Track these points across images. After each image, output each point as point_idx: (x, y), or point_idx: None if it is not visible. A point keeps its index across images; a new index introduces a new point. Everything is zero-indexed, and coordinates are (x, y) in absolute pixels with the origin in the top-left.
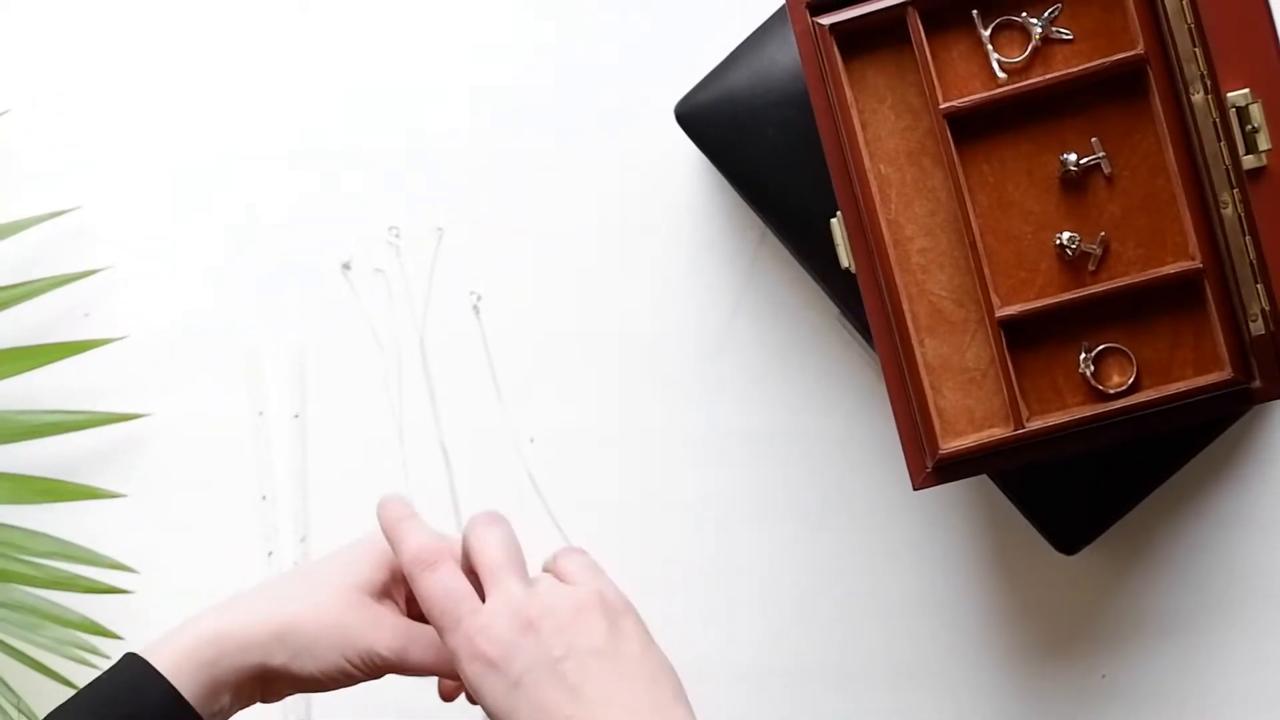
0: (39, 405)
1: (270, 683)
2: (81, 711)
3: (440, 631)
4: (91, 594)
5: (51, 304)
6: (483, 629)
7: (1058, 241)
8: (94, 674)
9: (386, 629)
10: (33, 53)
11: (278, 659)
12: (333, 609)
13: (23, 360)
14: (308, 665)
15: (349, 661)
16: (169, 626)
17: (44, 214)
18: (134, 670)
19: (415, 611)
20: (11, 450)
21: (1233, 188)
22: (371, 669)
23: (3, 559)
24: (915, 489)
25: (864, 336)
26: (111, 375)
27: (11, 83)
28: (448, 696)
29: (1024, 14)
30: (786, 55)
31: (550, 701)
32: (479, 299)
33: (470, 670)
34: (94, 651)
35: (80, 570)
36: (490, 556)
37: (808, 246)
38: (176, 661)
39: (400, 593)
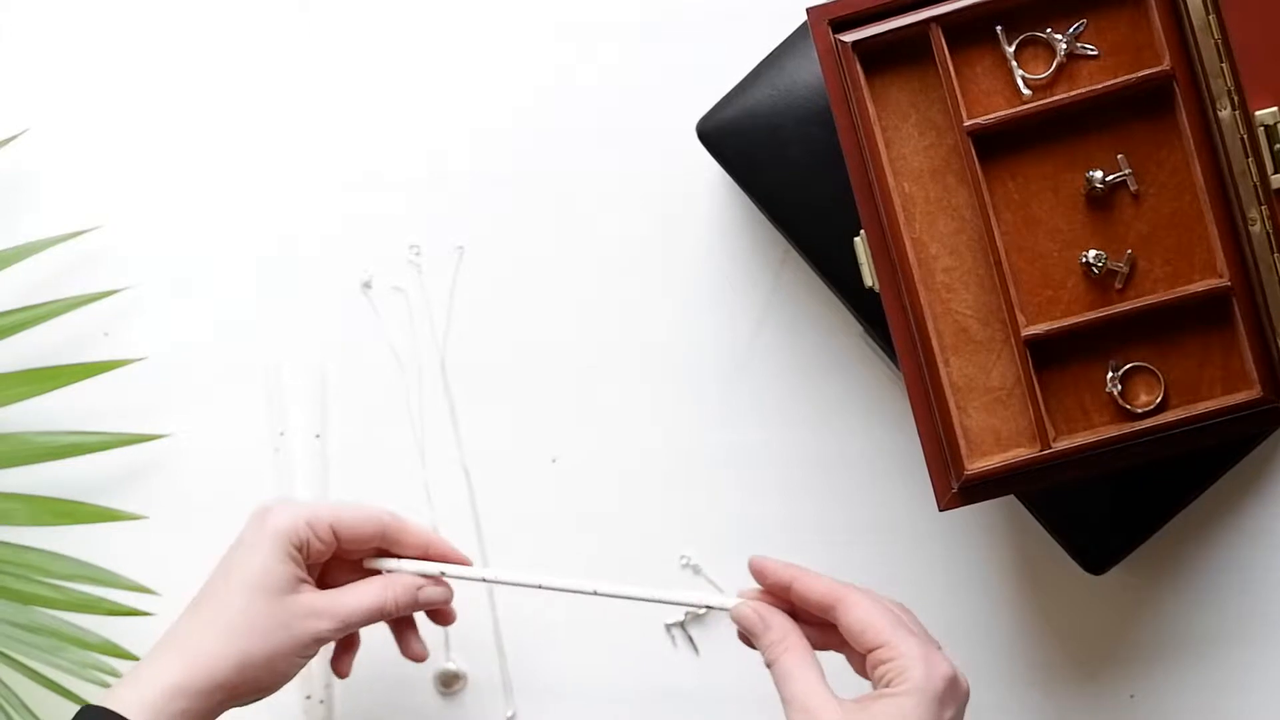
0: (59, 426)
1: (226, 708)
2: None
3: (887, 635)
4: (112, 616)
5: (71, 324)
6: (944, 657)
7: (1084, 259)
8: None
9: (323, 613)
10: (52, 72)
11: (243, 689)
12: (273, 624)
13: (43, 381)
14: (270, 681)
15: (304, 657)
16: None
17: (64, 234)
18: None
19: (322, 576)
20: (31, 471)
21: (1261, 205)
22: (320, 646)
23: (23, 581)
24: (941, 510)
25: (888, 355)
26: (131, 396)
27: (31, 102)
28: (340, 674)
29: (1049, 30)
30: (809, 72)
31: None
32: (500, 318)
33: (928, 683)
34: (114, 674)
35: (101, 593)
36: (918, 622)
37: (831, 265)
38: (149, 714)
39: (303, 567)
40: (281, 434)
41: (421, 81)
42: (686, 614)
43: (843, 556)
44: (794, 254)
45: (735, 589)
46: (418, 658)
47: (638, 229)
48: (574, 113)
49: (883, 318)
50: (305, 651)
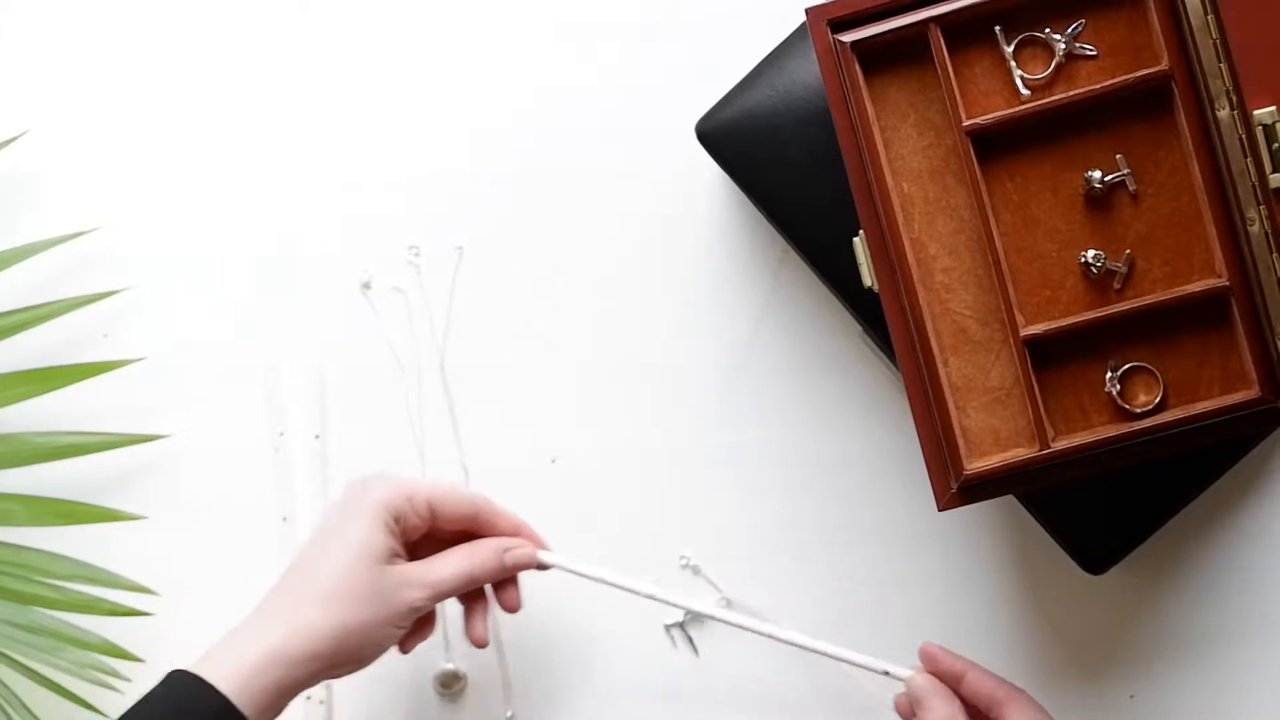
0: (58, 427)
1: (322, 679)
2: None
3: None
4: (112, 617)
5: (71, 325)
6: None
7: (1083, 260)
8: (115, 697)
9: (415, 583)
10: (52, 73)
11: (339, 658)
12: (371, 592)
13: (42, 382)
14: (365, 651)
15: (399, 628)
16: (201, 645)
17: (63, 235)
18: (191, 690)
19: (410, 544)
20: (31, 472)
21: (1259, 205)
22: (415, 617)
23: (23, 581)
24: (940, 510)
25: (887, 355)
26: (131, 396)
27: (31, 103)
28: (405, 651)
29: (1047, 30)
30: (808, 73)
31: None
32: (499, 318)
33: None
34: (114, 674)
35: (100, 593)
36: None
37: (830, 265)
38: (240, 682)
39: (399, 540)
40: (281, 434)
41: (421, 81)
42: (687, 615)
43: (842, 557)
44: (793, 254)
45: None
46: (481, 641)
47: (637, 229)
48: (573, 113)
49: (882, 318)
50: (401, 621)
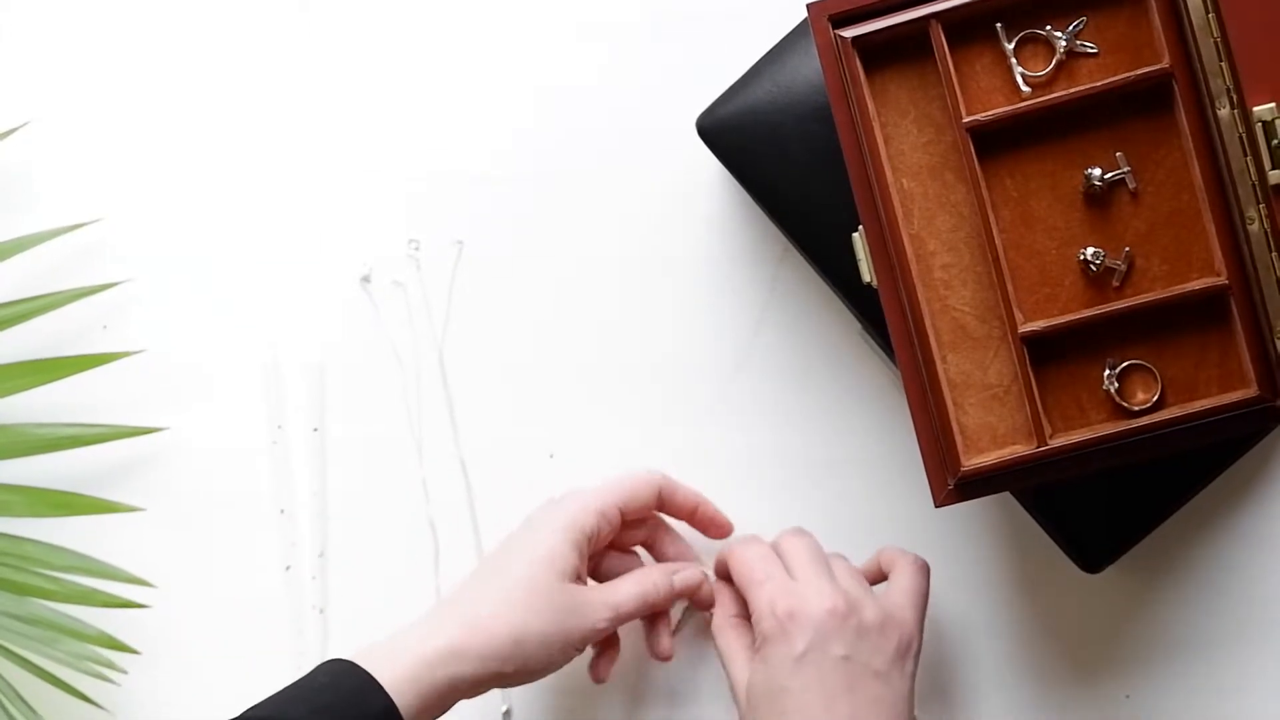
0: (57, 418)
1: (490, 686)
2: (298, 708)
3: (747, 585)
4: (109, 608)
5: (70, 317)
6: (791, 592)
7: (1082, 257)
8: (111, 689)
9: (597, 604)
10: (52, 66)
11: (513, 664)
12: (554, 605)
13: (41, 373)
14: (540, 664)
15: (575, 648)
16: (197, 637)
17: (63, 227)
18: (352, 681)
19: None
20: (29, 463)
21: (1259, 203)
22: (592, 641)
23: (20, 573)
24: (937, 506)
25: (886, 352)
26: (130, 389)
27: (31, 95)
28: (600, 678)
29: (1048, 27)
30: (809, 68)
31: (825, 689)
32: (499, 313)
33: (766, 626)
34: (111, 666)
35: (98, 585)
36: (801, 555)
37: (830, 261)
38: (407, 676)
39: (585, 560)
40: (279, 427)
41: (422, 76)
42: (684, 611)
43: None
44: (793, 250)
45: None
46: (664, 655)
47: (637, 224)
48: (574, 108)
49: (881, 314)
50: (579, 642)
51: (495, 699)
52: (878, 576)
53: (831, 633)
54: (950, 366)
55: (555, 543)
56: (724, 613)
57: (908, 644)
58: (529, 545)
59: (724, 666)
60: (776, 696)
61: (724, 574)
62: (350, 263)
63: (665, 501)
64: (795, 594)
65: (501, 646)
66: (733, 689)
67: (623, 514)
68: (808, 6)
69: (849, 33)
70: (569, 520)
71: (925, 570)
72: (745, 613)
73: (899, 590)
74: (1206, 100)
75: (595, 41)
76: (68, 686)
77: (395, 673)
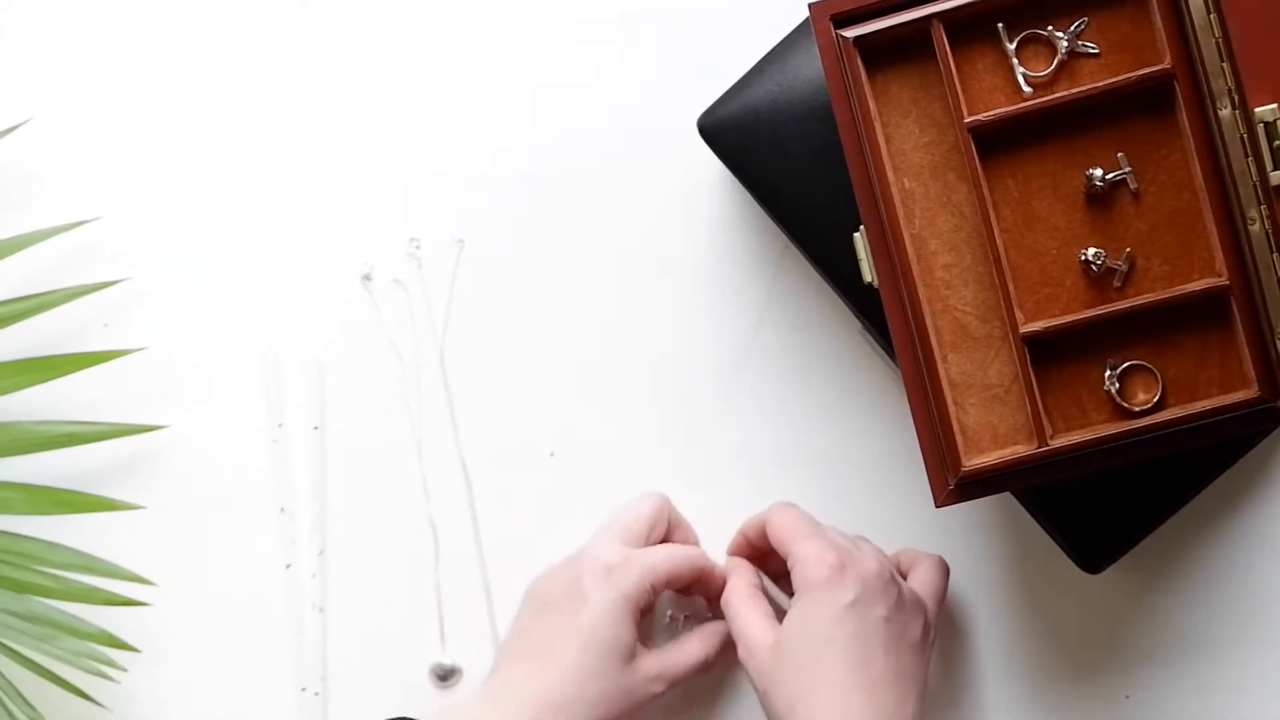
0: (57, 416)
1: None
2: None
3: (793, 539)
4: (109, 606)
5: (70, 315)
6: (841, 547)
7: (1083, 257)
8: (111, 687)
9: (658, 676)
10: (53, 63)
11: None
12: (620, 690)
13: (41, 371)
14: None
15: (630, 717)
16: (198, 636)
17: (64, 225)
18: None
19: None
20: (29, 461)
21: (1260, 204)
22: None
23: (20, 570)
24: (937, 506)
25: (886, 351)
26: (130, 387)
27: (32, 93)
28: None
29: (1050, 27)
30: (810, 68)
31: (865, 644)
32: (499, 312)
33: (813, 573)
34: (111, 664)
35: (98, 583)
36: (834, 530)
37: (830, 261)
38: None
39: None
40: (280, 426)
41: (423, 75)
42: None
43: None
44: (793, 250)
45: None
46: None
47: (637, 224)
48: (574, 107)
49: (882, 314)
50: (636, 713)
51: None
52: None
53: (877, 593)
54: (951, 366)
55: (617, 627)
56: (741, 583)
57: (931, 630)
58: (589, 627)
59: (739, 634)
60: (816, 648)
61: (742, 550)
62: (351, 261)
63: (702, 583)
64: (845, 550)
65: None
66: (749, 655)
67: (667, 584)
68: (809, 6)
69: (851, 32)
70: (625, 596)
71: (946, 569)
72: (760, 585)
73: (920, 583)
74: (1208, 100)
75: (596, 41)
76: (68, 684)
77: None
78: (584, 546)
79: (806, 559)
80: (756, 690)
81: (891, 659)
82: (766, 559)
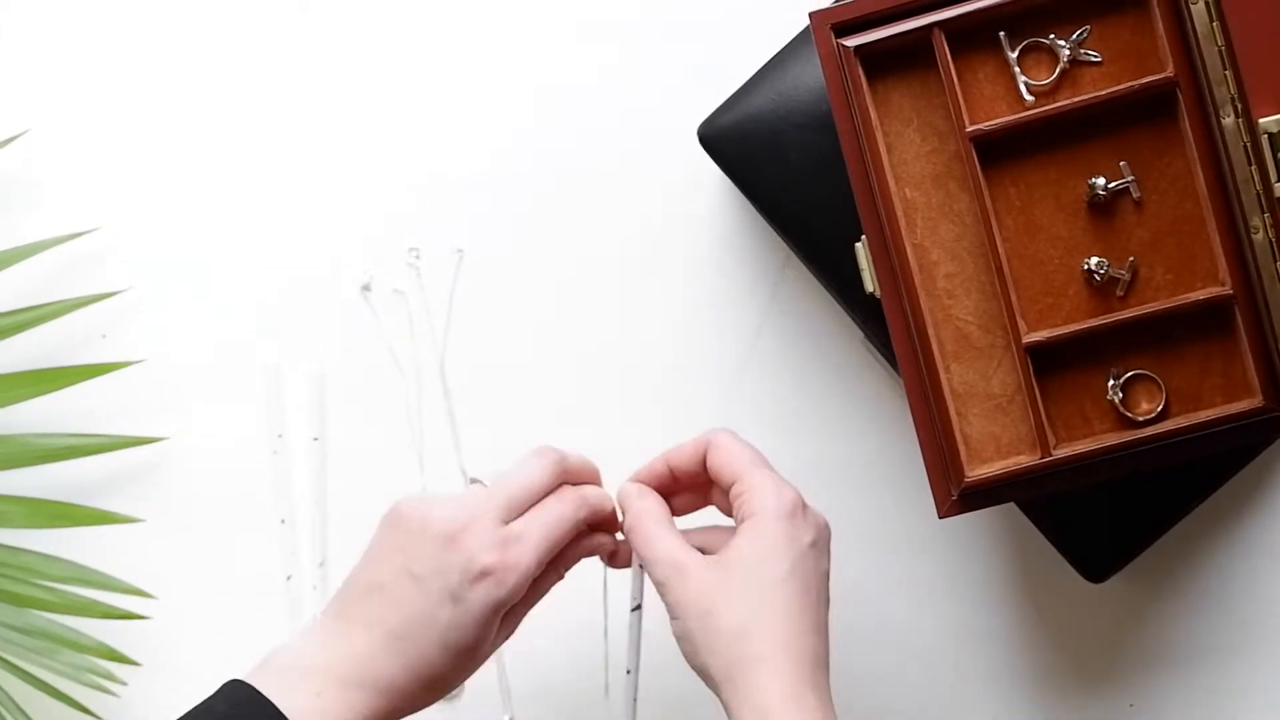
0: (56, 428)
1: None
2: None
3: (747, 467)
4: (108, 620)
5: (69, 326)
6: (795, 489)
7: (1086, 266)
8: (110, 701)
9: (502, 637)
10: (52, 73)
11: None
12: (462, 671)
13: (40, 383)
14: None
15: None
16: (198, 649)
17: (63, 235)
18: (255, 709)
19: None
20: (28, 474)
21: (1264, 213)
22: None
23: (19, 583)
24: (940, 517)
25: (889, 361)
26: (129, 398)
27: (31, 103)
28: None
29: (1052, 35)
30: (811, 77)
31: (811, 592)
32: (499, 322)
33: (771, 504)
34: (110, 678)
35: (97, 595)
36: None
37: (832, 270)
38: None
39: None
40: (280, 436)
41: (422, 84)
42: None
43: (841, 563)
44: (795, 259)
45: None
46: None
47: (639, 233)
48: (575, 116)
49: (883, 324)
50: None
51: (497, 711)
52: (698, 464)
53: (824, 545)
54: (954, 376)
55: (481, 631)
56: (655, 507)
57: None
58: (451, 625)
59: (661, 557)
60: (775, 575)
61: (662, 480)
62: (350, 271)
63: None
64: (798, 493)
65: (404, 704)
66: (680, 575)
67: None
68: (810, 15)
69: (852, 41)
70: (496, 606)
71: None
72: (695, 503)
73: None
74: (1211, 109)
75: (596, 49)
76: (67, 698)
77: (298, 703)
78: (469, 512)
79: (766, 488)
80: (686, 616)
81: (824, 614)
82: (676, 495)
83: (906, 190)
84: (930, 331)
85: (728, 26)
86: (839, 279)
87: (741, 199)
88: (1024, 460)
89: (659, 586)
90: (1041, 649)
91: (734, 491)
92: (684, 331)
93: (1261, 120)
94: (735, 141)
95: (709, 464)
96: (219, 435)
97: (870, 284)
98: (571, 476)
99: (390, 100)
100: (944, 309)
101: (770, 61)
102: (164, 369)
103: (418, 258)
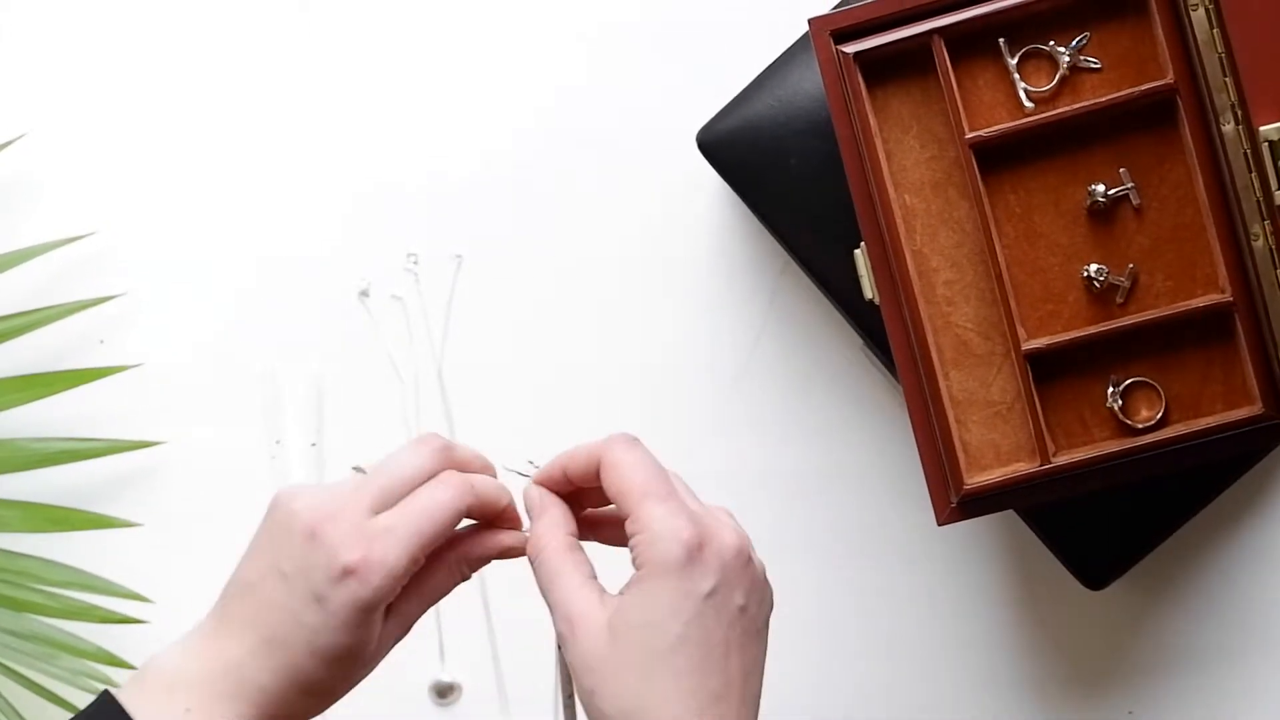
0: (53, 433)
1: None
2: None
3: (641, 499)
4: (106, 624)
5: (67, 330)
6: (697, 519)
7: (1085, 273)
8: None
9: (387, 640)
10: (50, 76)
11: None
12: (342, 679)
13: (37, 387)
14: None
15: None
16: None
17: (60, 239)
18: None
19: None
20: (25, 478)
21: (1264, 220)
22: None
23: (17, 588)
24: (939, 524)
25: (888, 368)
26: (126, 403)
27: (29, 106)
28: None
29: (1051, 42)
30: (810, 83)
31: (721, 641)
32: (498, 327)
33: (663, 550)
34: (108, 683)
35: (95, 600)
36: (680, 481)
37: (831, 277)
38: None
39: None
40: (277, 442)
41: (421, 89)
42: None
43: (840, 570)
44: (793, 265)
45: None
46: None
47: (636, 239)
48: (574, 122)
49: (883, 330)
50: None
51: (494, 716)
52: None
53: (736, 576)
54: (953, 384)
55: (352, 635)
56: (557, 532)
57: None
58: (319, 629)
59: (558, 602)
60: (662, 647)
61: (559, 488)
62: (348, 277)
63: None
64: (702, 522)
65: (282, 711)
66: (572, 634)
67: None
68: (809, 21)
69: (851, 48)
70: (363, 608)
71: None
72: (576, 534)
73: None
74: (1211, 116)
75: (596, 55)
76: (65, 703)
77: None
78: (337, 503)
79: (658, 533)
80: (578, 685)
81: (748, 653)
82: (582, 496)
83: (906, 197)
84: (929, 338)
85: (727, 32)
86: (838, 286)
87: (740, 204)
88: (1023, 467)
89: (558, 638)
90: (1041, 656)
91: (627, 529)
92: (682, 338)
93: (1262, 128)
94: (734, 148)
95: (604, 485)
96: (217, 440)
97: (869, 291)
98: (459, 469)
99: (389, 105)
100: (943, 316)
101: (769, 67)
102: (162, 373)
103: (416, 263)
